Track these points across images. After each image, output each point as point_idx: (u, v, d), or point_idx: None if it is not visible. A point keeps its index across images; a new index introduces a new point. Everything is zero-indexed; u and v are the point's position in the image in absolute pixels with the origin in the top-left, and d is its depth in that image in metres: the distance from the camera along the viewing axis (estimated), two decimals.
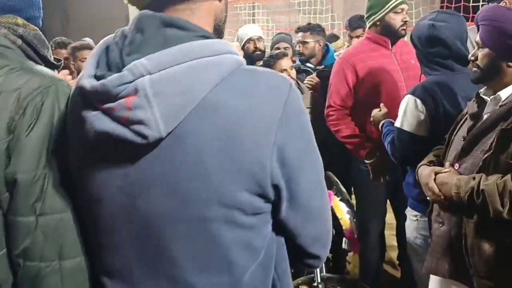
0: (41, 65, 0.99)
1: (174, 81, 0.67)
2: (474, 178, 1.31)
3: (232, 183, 0.70)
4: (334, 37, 4.68)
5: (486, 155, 1.32)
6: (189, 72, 0.67)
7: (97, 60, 0.73)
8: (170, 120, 0.67)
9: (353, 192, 2.61)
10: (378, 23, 2.25)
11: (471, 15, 4.09)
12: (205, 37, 0.72)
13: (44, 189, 0.83)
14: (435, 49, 1.75)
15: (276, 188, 0.74)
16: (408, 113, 1.73)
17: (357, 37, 3.19)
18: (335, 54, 4.13)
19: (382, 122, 2.00)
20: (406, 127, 1.75)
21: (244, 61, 0.74)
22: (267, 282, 0.81)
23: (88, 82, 0.69)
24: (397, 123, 1.79)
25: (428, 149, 1.69)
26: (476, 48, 1.44)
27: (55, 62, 1.04)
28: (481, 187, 1.27)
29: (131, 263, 0.77)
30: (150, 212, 0.72)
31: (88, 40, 3.91)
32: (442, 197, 1.42)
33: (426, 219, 1.67)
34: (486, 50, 1.39)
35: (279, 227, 0.81)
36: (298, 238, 0.82)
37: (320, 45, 2.92)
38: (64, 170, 0.83)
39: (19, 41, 0.96)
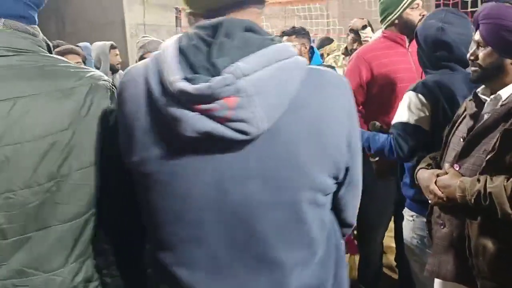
0: None
1: (269, 82, 0.74)
2: (478, 180, 1.29)
3: (319, 169, 0.82)
4: (328, 40, 4.71)
5: (489, 156, 1.30)
6: (279, 73, 0.76)
7: (179, 63, 0.75)
8: (269, 117, 0.75)
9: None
10: (396, 21, 2.23)
11: (469, 9, 4.10)
12: (273, 40, 0.80)
13: None
14: (439, 53, 1.75)
15: (346, 170, 0.88)
16: (413, 108, 1.73)
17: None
18: (329, 56, 4.16)
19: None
20: (412, 121, 1.74)
21: (305, 59, 0.83)
22: (331, 250, 0.93)
23: (186, 85, 0.72)
24: (402, 119, 1.77)
25: (429, 145, 1.70)
26: (475, 47, 1.42)
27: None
28: (488, 189, 1.25)
29: (217, 250, 0.83)
30: (245, 201, 0.80)
31: (85, 45, 3.90)
32: (445, 200, 1.39)
33: (423, 219, 1.67)
34: (489, 49, 1.37)
35: (332, 203, 0.94)
36: (344, 212, 0.98)
37: (305, 47, 2.94)
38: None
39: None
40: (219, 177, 0.79)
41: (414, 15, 2.20)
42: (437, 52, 1.75)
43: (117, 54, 4.09)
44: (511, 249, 1.29)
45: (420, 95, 1.71)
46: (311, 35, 3.18)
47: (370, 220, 2.47)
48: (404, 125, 1.76)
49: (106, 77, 0.96)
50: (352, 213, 1.00)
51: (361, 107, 2.32)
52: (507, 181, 1.24)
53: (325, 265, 0.92)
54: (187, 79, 0.73)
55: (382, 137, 1.88)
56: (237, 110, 0.72)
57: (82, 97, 0.89)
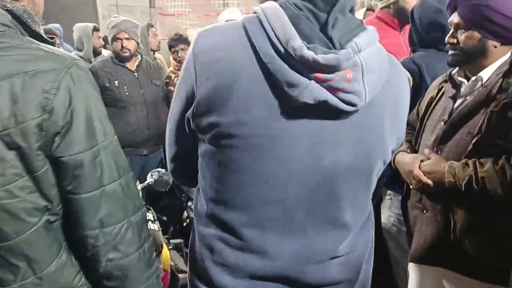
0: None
1: (374, 60, 0.82)
2: (467, 164, 1.28)
3: (392, 143, 0.92)
4: None
5: (475, 139, 1.29)
6: (379, 53, 0.85)
7: (294, 30, 0.78)
8: (371, 92, 0.82)
9: None
10: (392, 5, 2.22)
11: None
12: (362, 23, 0.86)
13: (104, 161, 0.88)
14: (434, 34, 1.74)
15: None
16: None
17: None
18: None
19: None
20: None
21: None
22: (372, 213, 1.03)
23: (311, 54, 0.75)
24: None
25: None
26: (453, 30, 1.38)
27: (48, 39, 0.96)
28: (480, 174, 1.24)
29: (294, 212, 0.88)
30: (332, 165, 0.86)
31: (55, 26, 3.76)
32: (431, 185, 1.37)
33: (400, 197, 1.67)
34: (470, 31, 1.33)
35: None
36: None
37: None
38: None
39: (9, 17, 0.88)
40: (316, 142, 0.84)
41: (411, 3, 2.15)
42: (432, 33, 1.74)
43: (99, 37, 3.97)
44: (496, 232, 1.29)
45: (405, 70, 1.71)
46: None
47: None
48: None
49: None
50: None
51: None
52: (496, 165, 1.23)
53: (370, 227, 1.02)
54: (306, 48, 0.76)
55: None
56: (353, 82, 0.79)
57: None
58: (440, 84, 1.52)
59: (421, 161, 1.42)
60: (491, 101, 1.29)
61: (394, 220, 1.84)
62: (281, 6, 0.80)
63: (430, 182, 1.37)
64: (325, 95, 0.78)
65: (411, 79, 1.72)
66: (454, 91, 1.43)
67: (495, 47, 1.33)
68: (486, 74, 1.35)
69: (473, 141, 1.29)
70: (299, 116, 0.82)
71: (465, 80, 1.41)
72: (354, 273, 0.99)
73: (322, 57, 0.75)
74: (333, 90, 0.78)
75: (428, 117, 1.50)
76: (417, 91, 1.69)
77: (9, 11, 0.88)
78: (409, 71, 1.69)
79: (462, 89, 1.42)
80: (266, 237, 0.89)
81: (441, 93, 1.49)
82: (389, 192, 1.83)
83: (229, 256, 0.92)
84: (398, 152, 1.56)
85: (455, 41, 1.37)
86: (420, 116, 1.55)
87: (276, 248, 0.90)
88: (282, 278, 0.92)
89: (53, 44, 0.97)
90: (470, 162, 1.28)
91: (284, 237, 0.89)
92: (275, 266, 0.91)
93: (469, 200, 1.31)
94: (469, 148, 1.30)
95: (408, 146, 1.58)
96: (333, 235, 0.92)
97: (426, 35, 1.78)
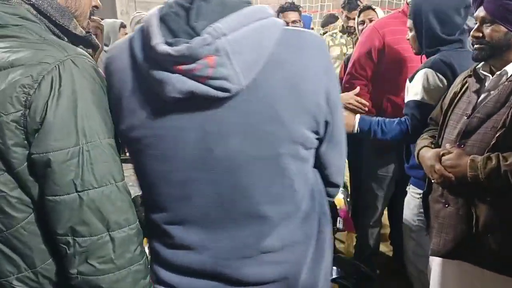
0: (63, 39, 0.92)
1: (246, 40, 0.78)
2: (490, 158, 1.27)
3: (299, 123, 0.85)
4: (334, 18, 4.62)
5: (499, 133, 1.28)
6: (256, 32, 0.80)
7: (161, 30, 0.79)
8: (247, 74, 0.79)
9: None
10: None
11: None
12: (249, 2, 0.83)
13: (80, 165, 0.81)
14: (463, 19, 1.71)
15: (326, 124, 0.91)
16: (429, 86, 1.69)
17: (354, 18, 3.16)
18: (326, 34, 4.09)
19: (357, 123, 1.86)
20: (428, 101, 1.71)
21: (281, 20, 0.87)
22: (315, 206, 0.98)
23: (167, 47, 0.76)
24: (417, 97, 1.74)
25: None
26: (478, 24, 1.38)
27: (80, 34, 0.95)
28: (503, 167, 1.23)
29: (207, 207, 0.88)
30: (229, 157, 0.84)
31: None
32: (453, 180, 1.37)
33: None
34: (495, 25, 1.34)
35: (316, 160, 0.97)
36: (328, 169, 1.01)
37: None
38: (105, 140, 0.85)
39: (32, 10, 0.88)
40: (202, 135, 0.82)
41: None
42: (462, 18, 1.71)
43: (126, 33, 4.02)
44: None
45: (438, 73, 1.67)
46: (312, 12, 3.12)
47: (368, 197, 2.48)
48: (421, 105, 1.72)
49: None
50: (336, 171, 1.03)
51: (368, 82, 2.28)
52: None
53: (309, 221, 0.96)
54: (168, 43, 0.76)
55: (393, 121, 1.82)
56: (217, 68, 0.76)
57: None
58: (464, 79, 1.51)
59: (443, 155, 1.41)
60: None
61: (420, 220, 1.82)
62: (162, 8, 0.82)
63: (451, 176, 1.37)
64: (189, 85, 0.77)
65: None
66: (478, 85, 1.43)
67: None
68: (511, 68, 1.34)
69: (497, 135, 1.29)
70: (178, 112, 0.82)
71: (489, 75, 1.41)
72: (293, 272, 0.94)
73: (174, 49, 0.75)
74: (199, 78, 0.77)
75: (452, 112, 1.49)
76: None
77: (32, 5, 0.88)
78: (443, 73, 1.67)
79: (487, 84, 1.41)
80: (190, 233, 0.90)
81: (465, 88, 1.49)
82: (419, 191, 1.80)
83: (164, 253, 0.94)
84: (422, 148, 1.55)
85: (480, 35, 1.37)
86: (443, 111, 1.54)
87: (203, 243, 0.90)
88: (217, 274, 0.92)
89: (87, 38, 0.96)
90: (493, 155, 1.27)
91: (208, 233, 0.90)
92: (207, 262, 0.91)
93: (491, 194, 1.31)
94: (493, 142, 1.30)
95: (431, 142, 1.57)
96: (253, 229, 0.89)
97: (457, 21, 1.73)
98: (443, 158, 1.40)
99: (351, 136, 1.33)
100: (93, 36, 1.00)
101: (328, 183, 1.03)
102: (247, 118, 0.82)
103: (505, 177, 1.23)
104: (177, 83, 0.77)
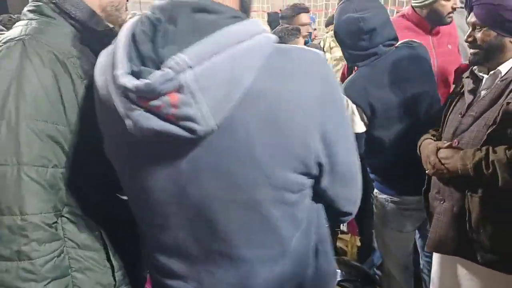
0: (87, 37, 0.97)
1: (217, 73, 0.66)
2: (480, 150, 1.31)
3: (280, 166, 0.73)
4: None
5: (490, 129, 1.32)
6: (230, 61, 0.66)
7: (128, 53, 0.69)
8: (217, 113, 0.67)
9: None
10: (424, 8, 2.10)
11: None
12: (236, 17, 0.71)
13: None
14: (365, 39, 1.69)
15: (319, 165, 0.78)
16: (356, 119, 1.71)
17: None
18: (326, 34, 4.10)
19: None
20: (359, 130, 1.73)
21: (274, 36, 0.72)
22: (309, 246, 0.87)
23: (128, 80, 0.66)
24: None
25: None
26: (470, 29, 1.44)
27: (98, 28, 0.98)
28: (491, 158, 1.27)
29: (185, 243, 0.81)
30: (201, 197, 0.75)
31: None
32: (446, 172, 1.41)
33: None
34: (486, 29, 1.39)
35: (318, 195, 0.85)
36: (336, 202, 0.88)
37: None
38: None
39: (51, 5, 0.94)
40: (175, 173, 0.75)
41: (446, 7, 2.06)
42: (363, 41, 1.68)
43: None
44: (511, 222, 1.31)
45: (356, 107, 1.68)
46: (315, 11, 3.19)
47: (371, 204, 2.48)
48: (360, 136, 1.74)
49: None
50: (346, 203, 0.89)
51: None
52: (508, 150, 1.26)
53: (300, 259, 0.86)
54: (134, 73, 0.67)
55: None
56: (181, 107, 0.66)
57: None
58: (465, 78, 1.55)
59: (439, 148, 1.45)
60: (508, 94, 1.32)
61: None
62: (137, 22, 0.72)
63: (444, 168, 1.41)
64: (155, 124, 0.67)
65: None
66: (474, 85, 1.47)
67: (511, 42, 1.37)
68: (505, 68, 1.39)
69: (488, 132, 1.32)
70: (150, 147, 0.74)
71: (485, 75, 1.45)
72: None
73: (133, 85, 0.65)
74: (167, 116, 0.67)
75: (450, 112, 1.54)
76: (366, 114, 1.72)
77: (55, 3, 0.94)
78: (358, 106, 1.69)
79: (483, 84, 1.45)
80: (175, 263, 0.85)
81: (464, 89, 1.53)
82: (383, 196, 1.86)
83: (160, 280, 0.89)
84: (424, 139, 1.59)
85: (472, 39, 1.43)
86: (444, 111, 1.58)
87: (188, 274, 0.84)
88: None
89: (108, 32, 0.99)
90: (483, 148, 1.31)
91: (190, 266, 0.83)
92: None
93: (483, 190, 1.34)
94: (484, 139, 1.33)
95: (434, 135, 1.61)
96: (233, 270, 0.81)
97: (358, 44, 1.71)
98: (440, 150, 1.44)
99: None
100: (116, 30, 0.96)
101: (339, 213, 0.91)
102: (220, 159, 0.72)
103: (492, 168, 1.26)
104: (141, 120, 0.67)
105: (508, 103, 1.29)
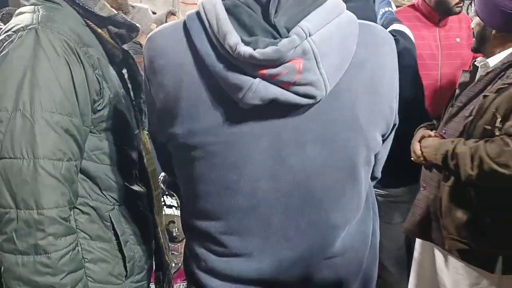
0: (93, 23, 0.97)
1: (331, 40, 0.70)
2: (452, 141, 1.34)
3: (375, 129, 0.80)
4: None
5: (466, 121, 1.35)
6: (339, 29, 0.71)
7: (230, 24, 0.69)
8: (333, 79, 0.71)
9: None
10: None
11: None
12: None
13: (4, 130, 0.83)
14: None
15: (393, 126, 0.87)
16: None
17: None
18: None
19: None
20: None
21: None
22: (369, 205, 0.92)
23: (248, 50, 0.66)
24: None
25: None
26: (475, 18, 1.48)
27: (102, 14, 0.97)
28: (456, 150, 1.29)
29: (270, 217, 0.81)
30: (303, 167, 0.77)
31: None
32: (422, 159, 1.44)
33: None
34: (477, 18, 1.43)
35: None
36: (376, 166, 0.92)
37: None
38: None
39: None
40: (278, 143, 0.75)
41: None
42: None
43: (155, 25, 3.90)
44: (476, 212, 1.34)
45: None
46: None
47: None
48: None
49: None
50: (380, 166, 0.96)
51: None
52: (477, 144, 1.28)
53: (366, 221, 0.90)
54: (245, 42, 0.67)
55: None
56: (304, 73, 0.68)
57: None
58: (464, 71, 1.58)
59: (423, 136, 1.48)
60: (491, 87, 1.34)
61: None
62: None
63: (421, 156, 1.44)
64: (273, 92, 0.69)
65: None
66: (468, 77, 1.49)
67: (496, 34, 1.39)
68: (493, 60, 1.40)
69: (464, 123, 1.35)
70: (252, 118, 0.74)
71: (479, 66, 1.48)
72: (353, 274, 0.89)
73: (260, 52, 0.66)
74: (284, 84, 0.69)
75: (450, 104, 1.55)
76: None
77: None
78: None
79: (477, 74, 1.47)
80: (247, 243, 0.83)
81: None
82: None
83: (213, 261, 0.86)
84: (420, 127, 1.61)
85: (473, 28, 1.48)
86: (447, 103, 1.60)
87: (260, 253, 0.83)
88: (276, 282, 0.85)
89: (113, 18, 0.98)
90: (456, 140, 1.34)
91: (267, 243, 0.82)
92: (266, 270, 0.84)
93: (453, 180, 1.37)
94: (460, 130, 1.36)
95: (430, 124, 1.63)
96: (319, 239, 0.83)
97: None
98: (423, 139, 1.47)
99: None
100: (121, 15, 1.00)
101: (371, 177, 0.93)
102: (326, 125, 0.75)
103: (455, 159, 1.28)
104: (259, 90, 0.68)
105: (484, 96, 1.30)
